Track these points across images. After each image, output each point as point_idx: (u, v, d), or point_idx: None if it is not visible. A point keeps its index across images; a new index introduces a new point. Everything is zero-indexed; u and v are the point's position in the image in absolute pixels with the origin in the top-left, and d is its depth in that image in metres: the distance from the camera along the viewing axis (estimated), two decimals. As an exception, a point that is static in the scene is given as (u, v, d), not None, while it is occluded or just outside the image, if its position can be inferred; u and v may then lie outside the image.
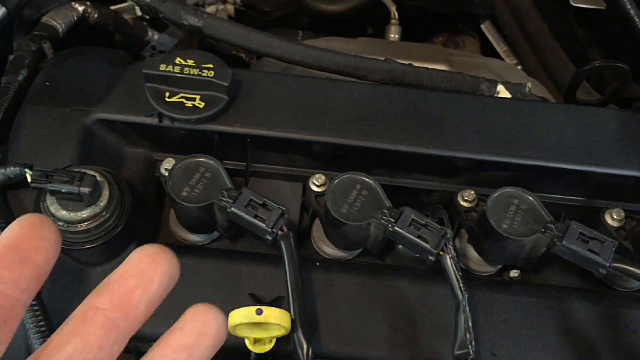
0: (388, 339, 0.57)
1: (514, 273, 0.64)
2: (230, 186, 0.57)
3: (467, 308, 0.52)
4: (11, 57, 0.68)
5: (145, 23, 0.89)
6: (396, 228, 0.55)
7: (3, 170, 0.55)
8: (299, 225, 0.65)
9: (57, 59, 0.68)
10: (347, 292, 0.59)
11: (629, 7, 0.78)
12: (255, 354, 0.54)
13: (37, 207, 0.55)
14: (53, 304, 0.54)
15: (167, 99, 0.60)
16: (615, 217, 0.61)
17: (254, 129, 0.61)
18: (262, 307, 0.50)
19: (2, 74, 0.66)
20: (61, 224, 0.54)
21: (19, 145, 0.60)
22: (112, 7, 0.83)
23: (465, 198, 0.60)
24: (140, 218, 0.60)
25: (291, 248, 0.55)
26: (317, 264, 0.61)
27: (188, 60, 0.61)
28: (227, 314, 0.52)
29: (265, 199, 0.55)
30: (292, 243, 0.55)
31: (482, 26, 1.14)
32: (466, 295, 0.53)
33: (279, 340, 0.53)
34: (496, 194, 0.58)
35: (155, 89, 0.61)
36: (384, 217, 0.55)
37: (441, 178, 0.64)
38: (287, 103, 0.63)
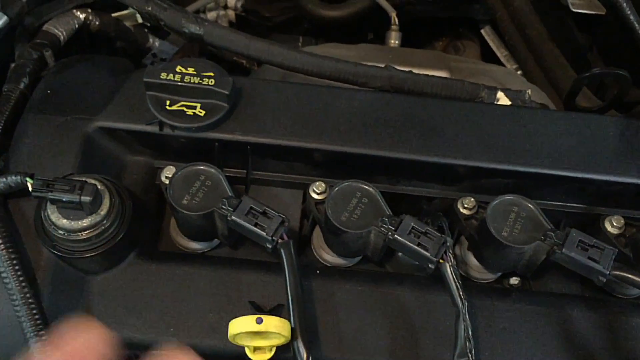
0: (388, 347, 0.57)
1: (514, 280, 0.64)
2: (230, 194, 0.57)
3: (467, 316, 0.52)
4: (13, 65, 0.68)
5: (146, 30, 0.89)
6: (396, 236, 0.55)
7: (4, 179, 0.55)
8: (299, 232, 0.65)
9: (59, 67, 0.68)
10: (347, 300, 0.59)
11: (629, 12, 0.78)
12: (256, 362, 0.54)
13: (38, 216, 0.55)
14: (53, 312, 0.54)
15: (167, 107, 0.61)
16: (615, 224, 0.61)
17: (255, 136, 0.61)
18: (262, 316, 0.50)
19: (4, 82, 0.66)
20: (62, 232, 0.54)
21: (20, 154, 0.60)
22: (114, 15, 0.83)
23: (465, 205, 0.61)
24: (140, 226, 0.60)
25: (291, 256, 0.55)
26: (317, 271, 0.61)
27: (189, 69, 0.61)
28: (227, 322, 0.52)
29: (266, 207, 0.56)
30: (292, 251, 0.55)
31: (482, 31, 1.14)
32: (466, 304, 0.53)
33: (279, 348, 0.53)
34: (496, 202, 0.58)
35: (156, 97, 0.61)
36: (384, 225, 0.56)
37: (441, 185, 0.65)
38: (287, 111, 0.63)
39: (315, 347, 0.56)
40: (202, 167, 0.58)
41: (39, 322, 0.51)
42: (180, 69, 0.61)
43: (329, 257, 0.63)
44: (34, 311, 0.51)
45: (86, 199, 0.53)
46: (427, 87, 0.68)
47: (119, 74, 0.66)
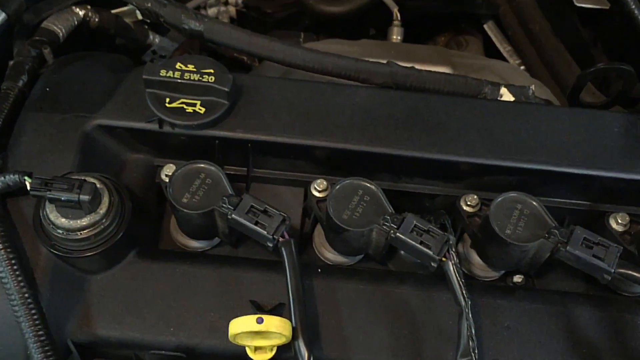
0: (390, 346, 0.56)
1: (517, 278, 0.64)
2: (231, 192, 0.56)
3: (470, 315, 0.52)
4: (11, 62, 0.68)
5: (146, 26, 0.88)
6: (398, 234, 0.54)
7: (2, 178, 0.55)
8: (300, 230, 0.64)
9: (57, 64, 0.67)
10: (349, 298, 0.58)
11: (633, 6, 0.77)
12: (257, 362, 0.53)
13: (37, 215, 0.55)
14: (52, 312, 0.53)
15: (167, 105, 0.60)
16: (620, 221, 0.60)
17: (255, 134, 0.61)
18: (263, 316, 0.50)
19: (2, 80, 0.65)
20: (60, 231, 0.54)
21: (18, 152, 0.60)
22: (113, 11, 0.82)
23: (468, 203, 0.60)
24: (140, 225, 0.59)
25: (292, 255, 0.54)
26: (319, 270, 0.60)
27: (188, 66, 0.61)
28: (227, 322, 0.52)
29: (266, 205, 0.55)
30: (293, 250, 0.54)
31: (485, 26, 1.13)
32: (469, 302, 0.52)
33: (280, 348, 0.53)
34: (499, 199, 0.57)
35: (155, 94, 0.60)
36: (386, 223, 0.55)
37: (444, 183, 0.64)
38: (288, 108, 0.63)
39: (316, 346, 0.55)
40: (202, 165, 0.58)
41: (37, 322, 0.51)
42: (180, 66, 0.60)
43: (331, 256, 0.63)
44: (33, 311, 0.51)
45: (85, 197, 0.52)
46: (429, 83, 0.67)
47: (118, 71, 0.66)
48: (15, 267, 0.52)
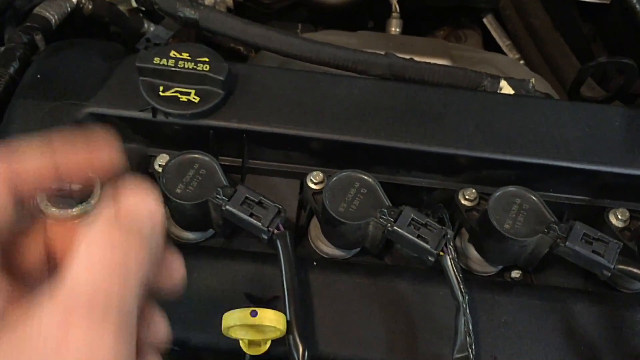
0: (386, 341, 0.55)
1: (515, 273, 0.63)
2: (225, 183, 0.55)
3: (468, 310, 0.51)
4: (2, 48, 0.66)
5: (141, 14, 0.87)
6: (395, 228, 0.54)
7: (-8, 166, 0.54)
8: (296, 223, 0.63)
9: (49, 51, 0.66)
10: (345, 292, 0.57)
11: (634, 1, 0.76)
12: (250, 356, 0.52)
13: (27, 204, 0.53)
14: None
15: (161, 93, 0.59)
16: (619, 217, 0.59)
17: (251, 124, 0.60)
18: (257, 309, 0.49)
19: (-7, 66, 0.64)
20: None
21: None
22: (107, -2, 0.81)
23: (467, 197, 0.59)
24: (133, 215, 0.58)
25: (287, 247, 0.53)
26: (314, 263, 0.59)
27: (183, 54, 0.60)
28: (221, 315, 0.51)
29: (261, 197, 0.54)
30: (288, 242, 0.53)
31: (484, 20, 1.12)
32: (466, 297, 0.52)
33: (275, 342, 0.52)
34: (498, 193, 0.56)
35: (149, 82, 0.59)
36: (383, 217, 0.54)
37: (442, 176, 0.63)
38: (284, 98, 0.61)
39: (311, 340, 0.54)
40: (196, 156, 0.57)
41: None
42: (174, 54, 0.59)
43: (327, 249, 0.62)
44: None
45: (76, 186, 0.51)
46: (428, 75, 0.66)
47: (111, 58, 0.64)
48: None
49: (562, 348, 0.56)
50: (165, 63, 0.58)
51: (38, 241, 0.35)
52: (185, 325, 0.55)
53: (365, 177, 0.57)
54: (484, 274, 0.63)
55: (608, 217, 0.59)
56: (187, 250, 0.59)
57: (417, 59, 0.69)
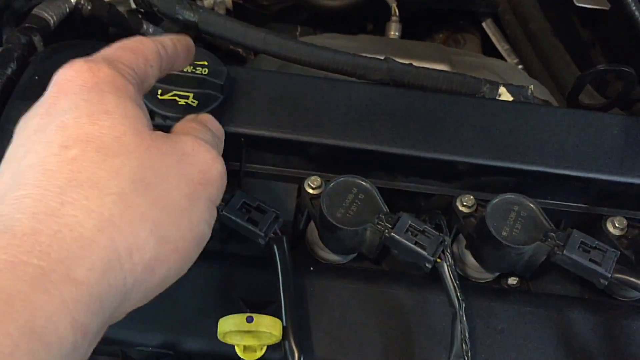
0: (382, 347, 0.55)
1: (512, 280, 0.63)
2: (222, 188, 0.55)
3: (464, 318, 0.51)
4: (0, 49, 0.66)
5: (140, 16, 0.87)
6: (393, 234, 0.53)
7: (-12, 168, 0.53)
8: (293, 227, 0.63)
9: (47, 52, 0.66)
10: (342, 298, 0.57)
11: (634, 7, 0.76)
12: (246, 361, 0.52)
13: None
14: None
15: (159, 97, 0.59)
16: (617, 225, 0.59)
17: (249, 128, 0.60)
18: (253, 315, 0.49)
19: (-9, 68, 0.64)
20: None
21: (6, 141, 0.58)
22: (106, -1, 0.81)
23: (464, 203, 0.59)
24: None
25: (284, 253, 0.53)
26: (311, 268, 0.59)
27: (181, 57, 0.59)
28: (217, 320, 0.51)
29: (259, 202, 0.54)
30: (285, 248, 0.53)
31: (483, 24, 1.12)
32: (463, 305, 0.52)
33: (270, 347, 0.52)
34: (496, 200, 0.56)
35: (147, 85, 0.59)
36: (381, 223, 0.54)
37: (440, 182, 0.63)
38: (283, 103, 0.61)
39: (307, 346, 0.54)
40: (193, 159, 0.56)
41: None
42: (173, 57, 0.59)
43: (324, 254, 0.62)
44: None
45: None
46: (427, 80, 0.66)
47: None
48: None
49: (558, 356, 0.56)
50: (164, 66, 0.58)
51: None
52: (181, 329, 0.55)
53: (363, 183, 0.57)
54: (481, 281, 0.63)
55: (605, 225, 0.59)
56: (183, 254, 0.59)
57: (416, 63, 0.68)
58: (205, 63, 0.59)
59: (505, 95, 0.67)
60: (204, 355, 0.55)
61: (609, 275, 0.52)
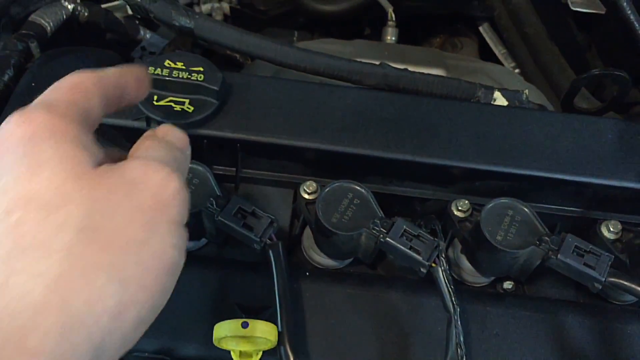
0: (378, 352, 0.55)
1: (507, 284, 0.63)
2: (218, 193, 0.56)
3: (459, 322, 0.51)
4: (-3, 56, 0.67)
5: (137, 22, 0.87)
6: (388, 239, 0.54)
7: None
8: (289, 232, 0.63)
9: (44, 59, 0.66)
10: (337, 303, 0.57)
11: (629, 12, 0.77)
12: (241, 367, 0.52)
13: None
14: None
15: (155, 103, 0.59)
16: (611, 229, 0.59)
17: (245, 134, 0.60)
18: (248, 320, 0.49)
19: (-12, 74, 0.64)
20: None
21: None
22: (103, 6, 0.81)
23: (459, 208, 0.59)
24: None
25: (280, 258, 0.53)
26: (307, 273, 0.59)
27: (177, 63, 0.60)
28: (212, 325, 0.51)
29: (254, 207, 0.54)
30: (281, 253, 0.54)
31: (480, 28, 1.12)
32: (458, 309, 0.52)
33: (266, 352, 0.52)
34: (490, 205, 0.56)
35: (143, 92, 0.59)
36: (376, 228, 0.54)
37: (435, 187, 0.63)
38: (278, 108, 0.62)
39: (302, 351, 0.54)
40: (190, 165, 0.56)
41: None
42: (168, 64, 0.59)
43: (319, 259, 0.62)
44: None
45: None
46: (422, 85, 0.67)
47: (106, 67, 0.64)
48: None
49: (553, 359, 0.56)
50: (160, 73, 0.59)
51: None
52: (176, 335, 0.55)
53: (358, 188, 0.57)
54: (476, 285, 0.63)
55: (600, 229, 0.60)
56: (179, 259, 0.60)
57: (412, 68, 0.69)
58: (201, 69, 0.60)
59: (500, 99, 0.68)
60: (200, 360, 0.55)
61: (603, 279, 0.53)
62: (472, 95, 0.67)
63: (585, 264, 0.53)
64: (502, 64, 1.06)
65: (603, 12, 0.88)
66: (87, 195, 0.35)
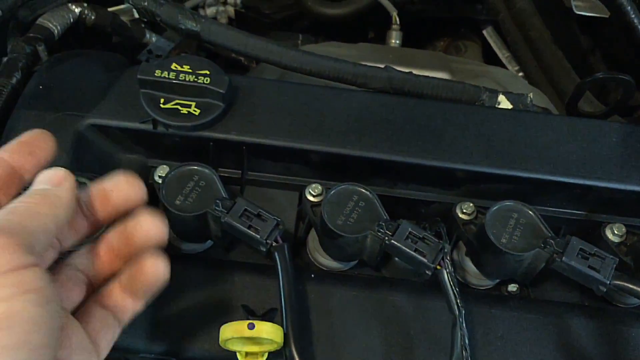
0: (383, 353, 0.56)
1: (512, 287, 0.63)
2: (224, 195, 0.56)
3: (464, 324, 0.51)
4: (5, 59, 0.67)
5: (143, 25, 0.88)
6: (393, 241, 0.54)
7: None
8: (294, 235, 0.64)
9: (51, 62, 0.67)
10: (342, 305, 0.58)
11: (633, 15, 0.77)
12: (247, 368, 0.53)
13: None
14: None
15: (162, 105, 0.59)
16: (616, 232, 0.59)
17: (250, 137, 0.60)
18: (254, 322, 0.49)
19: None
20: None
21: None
22: (110, 9, 0.82)
23: (464, 210, 0.59)
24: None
25: (285, 260, 0.54)
26: (312, 275, 0.60)
27: (184, 66, 0.60)
28: (218, 327, 0.51)
29: (260, 209, 0.55)
30: (286, 255, 0.54)
31: (484, 32, 1.13)
32: (463, 312, 0.52)
33: (272, 354, 0.52)
34: (495, 208, 0.57)
35: (150, 94, 0.60)
36: (381, 230, 0.54)
37: (440, 189, 0.63)
38: (284, 111, 0.62)
39: (308, 353, 0.55)
40: (196, 167, 0.57)
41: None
42: (175, 67, 0.60)
43: (325, 261, 0.62)
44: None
45: None
46: (427, 88, 0.67)
47: (113, 70, 0.65)
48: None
49: (557, 362, 0.56)
50: (167, 76, 0.59)
51: None
52: (182, 336, 0.55)
53: (364, 191, 0.57)
54: (481, 288, 0.63)
55: (604, 232, 0.60)
56: (185, 261, 0.60)
57: (416, 71, 0.69)
58: (207, 72, 0.60)
59: (504, 103, 0.68)
60: (206, 362, 0.55)
61: (608, 282, 0.53)
62: (477, 98, 0.68)
63: (589, 267, 0.53)
64: (506, 68, 1.06)
65: (607, 16, 0.88)
66: None
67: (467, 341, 0.51)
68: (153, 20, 0.69)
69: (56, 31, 0.72)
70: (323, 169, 0.63)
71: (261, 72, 0.85)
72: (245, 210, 0.54)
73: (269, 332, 0.49)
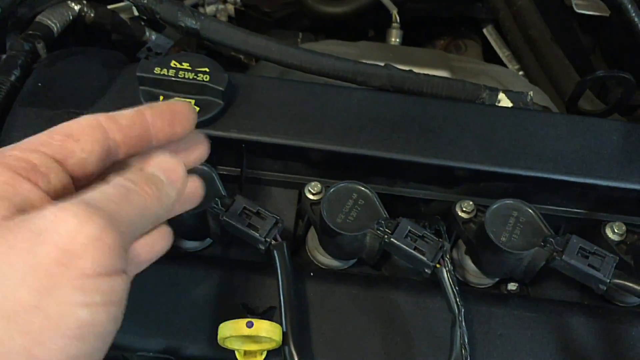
0: (382, 352, 0.55)
1: (512, 286, 0.63)
2: (223, 193, 0.56)
3: (463, 323, 0.51)
4: (4, 56, 0.67)
5: (142, 23, 0.88)
6: (392, 239, 0.54)
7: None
8: (293, 233, 0.64)
9: (51, 59, 0.66)
10: (342, 303, 0.57)
11: (633, 14, 0.77)
12: (246, 366, 0.53)
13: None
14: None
15: (161, 103, 0.59)
16: (616, 230, 0.59)
17: (250, 134, 0.60)
18: (253, 320, 0.49)
19: (-5, 74, 0.64)
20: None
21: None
22: (109, 7, 0.81)
23: (464, 209, 0.59)
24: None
25: (284, 258, 0.53)
26: (311, 273, 0.60)
27: (183, 64, 0.60)
28: (217, 325, 0.51)
29: (259, 208, 0.54)
30: (285, 253, 0.54)
31: (484, 31, 1.13)
32: (462, 310, 0.52)
33: (271, 352, 0.52)
34: (495, 206, 0.57)
35: (149, 92, 0.60)
36: (380, 228, 0.54)
37: (440, 188, 0.63)
38: (283, 109, 0.62)
39: (307, 352, 0.55)
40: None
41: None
42: (174, 64, 0.60)
43: (324, 259, 0.62)
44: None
45: None
46: (427, 87, 0.67)
47: (112, 67, 0.65)
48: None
49: (557, 361, 0.56)
50: (166, 73, 0.59)
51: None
52: (181, 334, 0.55)
53: (363, 189, 0.57)
54: (481, 286, 0.63)
55: (604, 231, 0.60)
56: (184, 259, 0.60)
57: (416, 70, 0.69)
58: (207, 70, 0.60)
59: (504, 101, 0.68)
60: (205, 360, 0.55)
61: (608, 281, 0.53)
62: (477, 96, 0.67)
63: (589, 266, 0.53)
64: (506, 66, 1.06)
65: (607, 15, 0.88)
66: None
67: (466, 340, 0.51)
68: (153, 18, 0.69)
69: (55, 28, 0.72)
70: (322, 167, 0.62)
71: (261, 70, 0.85)
72: (245, 208, 0.54)
73: (268, 331, 0.49)
